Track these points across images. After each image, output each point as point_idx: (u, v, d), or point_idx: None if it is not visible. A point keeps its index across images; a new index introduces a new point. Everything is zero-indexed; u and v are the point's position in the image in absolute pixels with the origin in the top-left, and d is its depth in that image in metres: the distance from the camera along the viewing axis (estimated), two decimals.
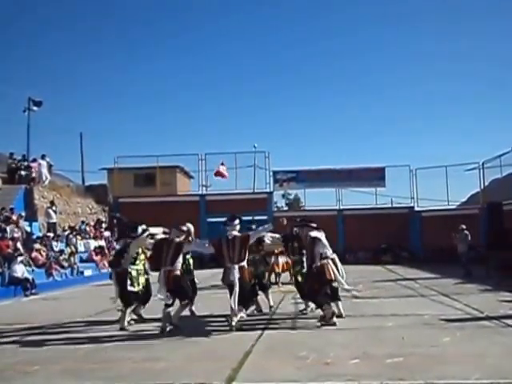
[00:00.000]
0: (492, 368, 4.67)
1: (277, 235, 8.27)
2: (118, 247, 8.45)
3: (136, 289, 7.42)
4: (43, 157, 20.51)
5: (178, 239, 7.16)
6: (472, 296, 9.95)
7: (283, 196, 36.75)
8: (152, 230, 7.68)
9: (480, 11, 67.62)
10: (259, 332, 6.71)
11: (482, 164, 23.51)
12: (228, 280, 6.92)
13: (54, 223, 18.44)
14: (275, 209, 27.38)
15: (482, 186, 23.91)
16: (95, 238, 20.19)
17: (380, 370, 4.69)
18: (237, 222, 7.32)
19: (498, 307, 8.30)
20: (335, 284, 7.39)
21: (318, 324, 7.03)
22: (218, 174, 24.12)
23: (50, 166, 20.97)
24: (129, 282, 7.32)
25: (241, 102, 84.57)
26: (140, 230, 7.61)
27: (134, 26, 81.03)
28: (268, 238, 8.09)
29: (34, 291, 12.50)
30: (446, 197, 24.46)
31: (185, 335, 6.63)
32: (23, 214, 16.78)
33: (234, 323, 6.73)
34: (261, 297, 8.35)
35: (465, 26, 69.95)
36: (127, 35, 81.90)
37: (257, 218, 15.60)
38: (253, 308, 8.02)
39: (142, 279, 7.60)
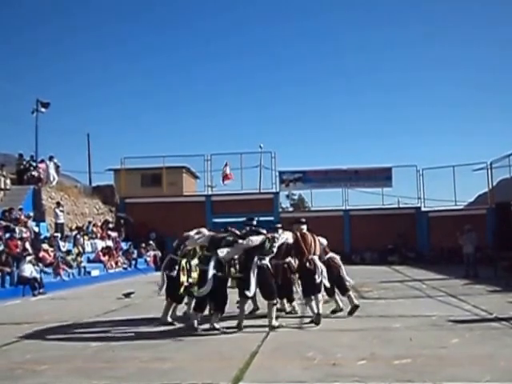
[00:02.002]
0: (503, 370, 4.62)
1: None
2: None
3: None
4: (51, 158, 20.60)
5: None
6: (480, 297, 9.89)
7: (287, 197, 36.56)
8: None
9: (485, 18, 67.20)
10: (265, 332, 6.70)
11: (490, 164, 23.32)
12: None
13: (62, 223, 18.53)
14: (280, 209, 27.32)
15: (490, 186, 23.73)
16: (102, 238, 20.26)
17: (387, 371, 4.67)
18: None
19: (507, 308, 8.23)
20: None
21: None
22: (226, 178, 24.21)
23: (57, 167, 21.04)
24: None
25: (247, 102, 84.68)
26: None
27: (137, 27, 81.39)
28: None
29: (41, 291, 12.56)
30: (454, 197, 24.32)
31: (192, 335, 6.64)
32: (31, 214, 16.87)
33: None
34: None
35: (475, 31, 69.60)
36: (132, 37, 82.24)
37: (262, 218, 15.54)
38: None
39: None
